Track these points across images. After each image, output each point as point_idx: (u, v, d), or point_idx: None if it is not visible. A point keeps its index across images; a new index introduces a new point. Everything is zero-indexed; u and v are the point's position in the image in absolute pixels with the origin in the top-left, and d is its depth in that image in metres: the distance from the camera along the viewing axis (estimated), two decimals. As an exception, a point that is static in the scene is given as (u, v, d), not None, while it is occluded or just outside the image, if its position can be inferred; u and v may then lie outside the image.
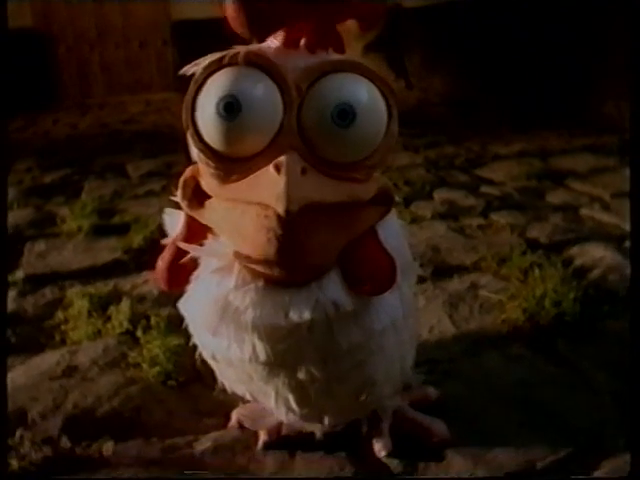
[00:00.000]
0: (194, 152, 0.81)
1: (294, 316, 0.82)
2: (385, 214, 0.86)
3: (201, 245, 0.89)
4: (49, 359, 1.45)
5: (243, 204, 0.78)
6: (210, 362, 1.01)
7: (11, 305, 1.72)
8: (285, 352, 0.86)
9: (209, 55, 0.79)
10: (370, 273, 0.85)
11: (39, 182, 3.14)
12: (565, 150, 3.40)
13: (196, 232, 0.89)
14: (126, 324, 1.56)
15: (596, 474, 1.07)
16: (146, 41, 6.40)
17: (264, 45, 0.80)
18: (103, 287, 1.80)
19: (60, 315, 1.66)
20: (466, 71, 5.24)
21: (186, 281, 0.92)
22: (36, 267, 1.99)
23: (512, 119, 4.29)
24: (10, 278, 1.87)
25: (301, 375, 0.89)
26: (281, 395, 0.94)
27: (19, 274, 1.92)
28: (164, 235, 0.98)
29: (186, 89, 0.79)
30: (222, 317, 0.85)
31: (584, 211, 2.40)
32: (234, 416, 1.19)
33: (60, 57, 6.13)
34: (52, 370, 1.40)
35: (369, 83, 0.77)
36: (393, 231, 0.91)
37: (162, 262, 0.93)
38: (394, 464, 1.09)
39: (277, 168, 0.73)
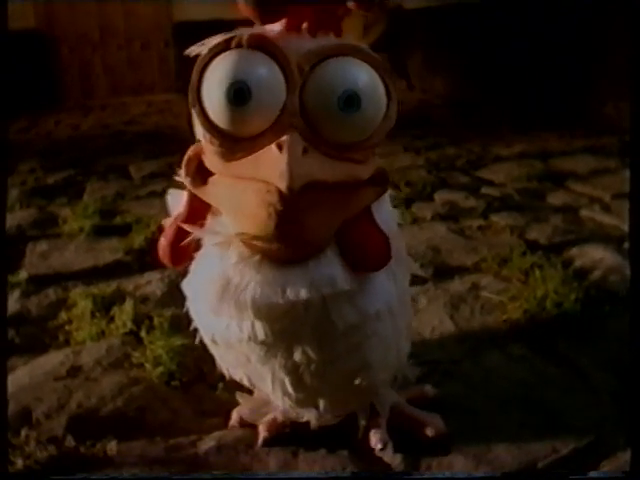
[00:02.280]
0: (198, 130, 0.84)
1: (291, 294, 0.85)
2: (381, 194, 0.89)
3: (202, 225, 0.92)
4: (53, 359, 1.46)
5: (245, 181, 0.81)
6: (210, 346, 1.03)
7: (15, 306, 1.73)
8: (282, 331, 0.88)
9: (214, 37, 0.82)
10: (366, 248, 0.88)
11: (42, 183, 3.14)
12: (565, 151, 3.41)
13: (198, 211, 0.92)
14: (129, 324, 1.57)
15: (596, 473, 1.07)
16: (148, 42, 6.40)
17: (267, 28, 0.83)
18: (106, 288, 1.81)
19: (64, 315, 1.67)
20: (467, 72, 5.25)
21: (189, 257, 0.95)
22: (39, 268, 2.00)
23: (512, 120, 4.30)
24: (13, 279, 1.88)
25: (297, 356, 0.92)
26: (277, 377, 0.96)
27: (22, 275, 1.93)
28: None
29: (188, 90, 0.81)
30: (223, 295, 0.88)
31: (584, 212, 2.40)
32: (234, 414, 1.20)
33: (62, 58, 6.14)
34: (56, 370, 1.41)
35: (369, 68, 0.80)
36: (386, 216, 0.94)
37: (165, 240, 0.96)
38: (396, 463, 1.10)
39: (279, 147, 0.76)
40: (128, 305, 1.65)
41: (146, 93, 6.38)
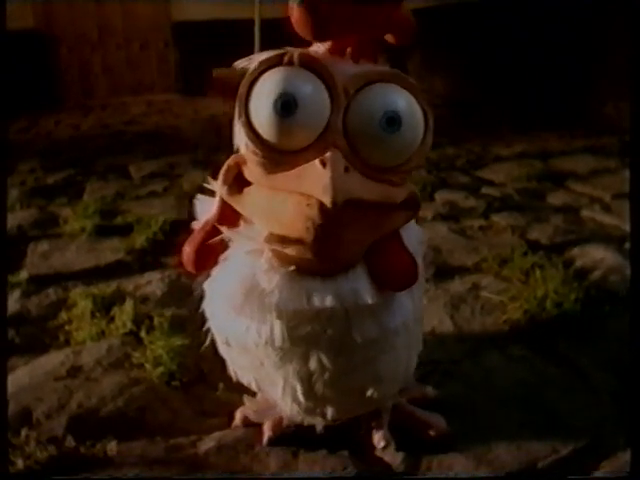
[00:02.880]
0: (242, 140, 0.86)
1: (316, 302, 0.86)
2: (411, 218, 0.92)
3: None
4: (53, 359, 1.46)
5: (285, 193, 0.83)
6: (221, 349, 1.03)
7: (15, 306, 1.73)
8: (301, 338, 0.89)
9: (263, 52, 0.85)
10: (395, 269, 0.90)
11: (42, 183, 3.14)
12: (565, 151, 3.41)
13: (228, 218, 0.93)
14: (129, 325, 1.57)
15: (596, 474, 1.08)
16: (147, 42, 6.40)
17: (312, 50, 0.86)
18: (106, 288, 1.81)
19: (64, 315, 1.67)
20: (467, 72, 5.25)
21: (213, 264, 0.96)
22: (40, 268, 2.00)
23: (512, 120, 4.30)
24: (14, 279, 1.88)
25: (312, 364, 0.93)
26: (289, 384, 0.97)
27: (23, 275, 1.93)
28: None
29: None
30: (248, 296, 0.89)
31: (585, 212, 2.41)
32: (238, 414, 1.20)
33: (62, 58, 6.14)
34: (56, 370, 1.40)
35: (409, 94, 0.83)
36: (412, 237, 0.96)
37: (191, 245, 0.96)
38: (396, 463, 1.10)
39: (323, 163, 0.78)
40: (128, 305, 1.65)
41: (145, 93, 6.38)
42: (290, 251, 0.85)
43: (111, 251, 2.12)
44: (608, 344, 1.46)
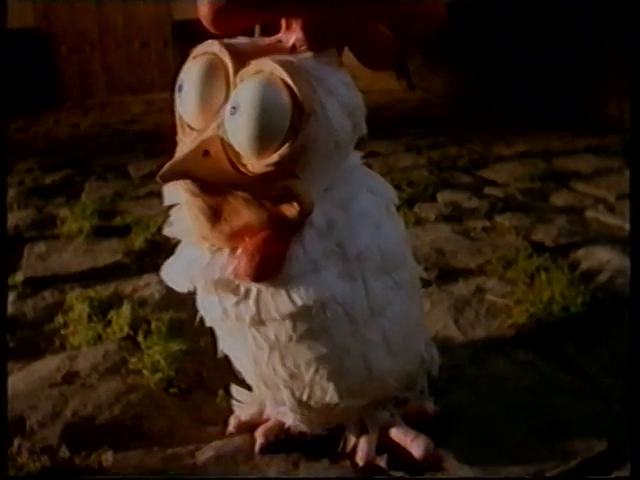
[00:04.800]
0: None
1: (216, 274, 0.93)
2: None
3: None
4: (49, 365, 1.43)
5: None
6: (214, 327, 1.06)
7: (10, 308, 1.70)
8: (233, 310, 0.94)
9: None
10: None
11: (40, 183, 3.12)
12: (568, 151, 3.37)
13: None
14: (127, 329, 1.54)
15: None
16: (147, 41, 6.39)
17: (235, 40, 0.92)
18: (104, 290, 1.78)
19: (60, 319, 1.64)
20: (468, 71, 5.22)
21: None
22: (36, 269, 1.97)
23: (514, 120, 4.27)
24: (10, 281, 1.85)
25: (255, 343, 0.96)
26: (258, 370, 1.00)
27: (19, 277, 1.90)
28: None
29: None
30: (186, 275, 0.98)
31: (589, 213, 2.37)
32: (232, 420, 1.17)
33: (61, 57, 6.12)
34: (52, 376, 1.37)
35: (275, 87, 0.83)
36: (391, 227, 0.97)
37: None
38: (400, 473, 1.06)
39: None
40: (125, 309, 1.62)
41: (145, 92, 6.36)
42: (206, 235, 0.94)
43: (109, 252, 2.09)
44: (616, 348, 1.43)
